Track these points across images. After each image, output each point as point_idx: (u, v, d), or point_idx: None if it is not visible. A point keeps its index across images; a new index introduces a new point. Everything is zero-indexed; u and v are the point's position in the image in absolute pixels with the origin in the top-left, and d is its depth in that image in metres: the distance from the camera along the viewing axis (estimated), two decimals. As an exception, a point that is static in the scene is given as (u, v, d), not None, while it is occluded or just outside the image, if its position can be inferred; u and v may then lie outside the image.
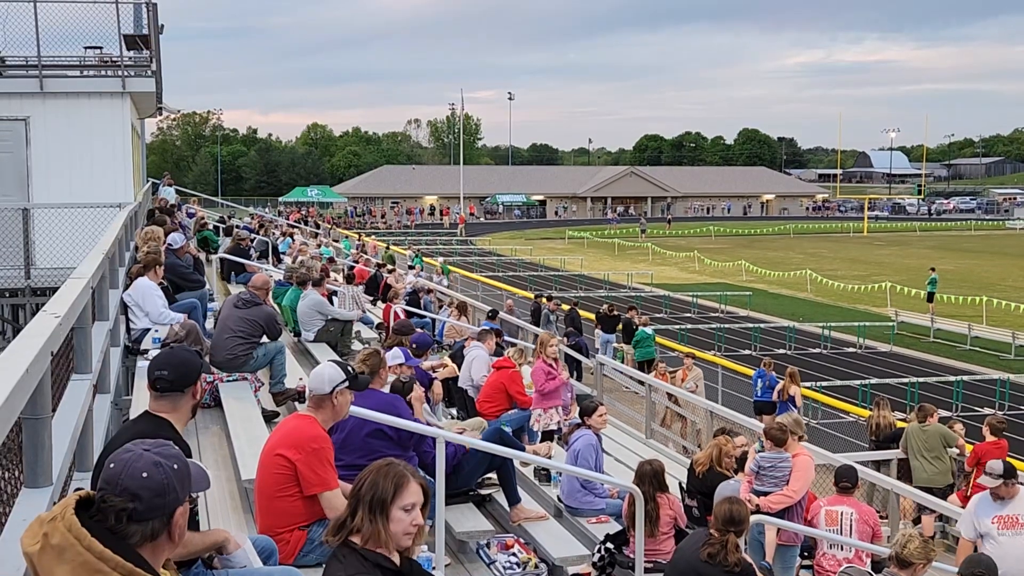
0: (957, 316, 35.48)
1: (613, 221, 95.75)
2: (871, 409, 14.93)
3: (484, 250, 69.03)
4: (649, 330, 23.85)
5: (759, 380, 19.29)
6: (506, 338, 16.62)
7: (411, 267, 30.35)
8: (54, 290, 6.22)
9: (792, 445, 8.98)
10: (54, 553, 2.40)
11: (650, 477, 7.78)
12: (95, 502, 2.53)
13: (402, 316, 15.77)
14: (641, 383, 15.96)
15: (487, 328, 13.95)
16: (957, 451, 13.15)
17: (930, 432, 13.10)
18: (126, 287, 10.77)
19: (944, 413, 14.50)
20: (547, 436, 10.92)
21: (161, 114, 28.18)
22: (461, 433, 8.03)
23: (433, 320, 19.28)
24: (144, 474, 2.53)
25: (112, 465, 2.56)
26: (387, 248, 42.72)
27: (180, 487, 2.59)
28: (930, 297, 38.66)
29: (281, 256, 22.89)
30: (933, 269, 40.58)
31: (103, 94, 18.63)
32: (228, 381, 9.45)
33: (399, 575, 3.54)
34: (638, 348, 23.39)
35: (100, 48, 19.72)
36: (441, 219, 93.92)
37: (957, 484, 13.03)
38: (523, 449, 8.64)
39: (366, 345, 14.87)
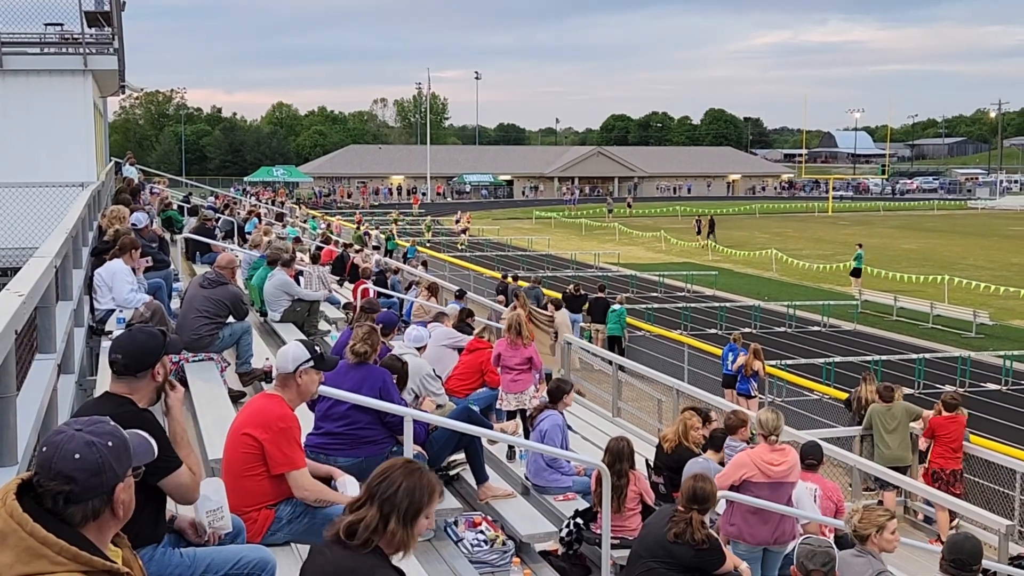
0: (919, 295, 35.89)
1: (570, 201, 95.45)
2: (858, 384, 15.01)
3: (451, 230, 68.83)
4: (618, 307, 24.49)
5: (729, 354, 19.46)
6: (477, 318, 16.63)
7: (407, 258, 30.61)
8: (15, 270, 6.15)
9: (753, 437, 8.72)
10: None
11: (628, 455, 7.84)
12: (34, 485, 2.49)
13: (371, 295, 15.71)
14: (609, 362, 16.03)
15: (458, 308, 13.92)
16: (920, 425, 13.23)
17: (895, 410, 13.23)
18: (92, 267, 10.67)
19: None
20: (512, 415, 10.92)
21: (124, 92, 27.85)
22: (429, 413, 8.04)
23: (401, 300, 19.25)
24: (76, 455, 2.47)
25: (44, 448, 2.50)
26: (356, 228, 42.54)
27: (117, 463, 2.53)
28: (855, 272, 39.03)
29: (246, 236, 22.71)
30: (860, 245, 40.91)
31: (64, 72, 18.40)
32: (194, 361, 9.40)
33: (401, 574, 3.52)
34: (609, 324, 24.25)
35: (61, 25, 19.46)
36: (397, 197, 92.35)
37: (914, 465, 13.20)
38: (491, 427, 8.66)
39: (332, 325, 14.82)
